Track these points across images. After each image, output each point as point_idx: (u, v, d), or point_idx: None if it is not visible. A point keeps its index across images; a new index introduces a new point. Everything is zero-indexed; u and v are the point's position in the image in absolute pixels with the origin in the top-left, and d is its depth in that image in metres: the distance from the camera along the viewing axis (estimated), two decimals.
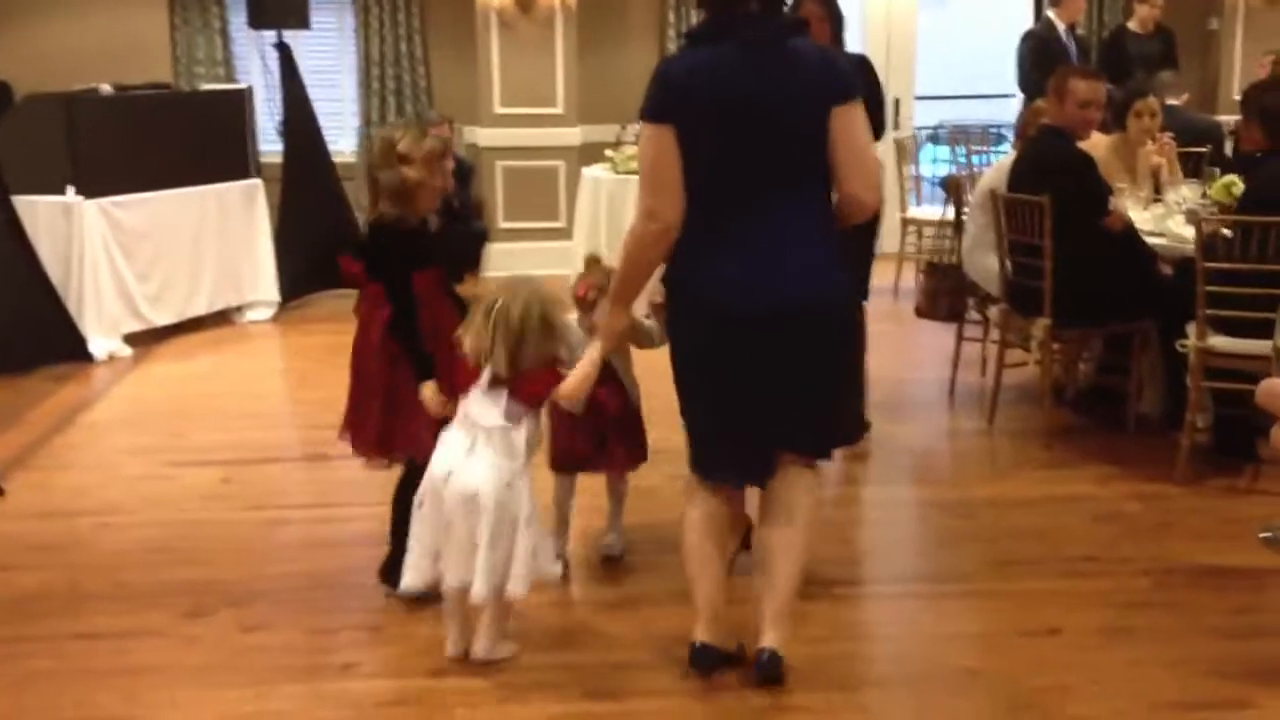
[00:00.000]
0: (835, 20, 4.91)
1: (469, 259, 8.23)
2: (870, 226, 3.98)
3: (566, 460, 4.02)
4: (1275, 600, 3.88)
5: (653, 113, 3.05)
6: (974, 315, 6.16)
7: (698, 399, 3.24)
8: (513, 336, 3.26)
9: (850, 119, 3.01)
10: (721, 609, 3.30)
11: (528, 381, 3.32)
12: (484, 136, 8.92)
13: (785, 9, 3.17)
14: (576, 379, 3.31)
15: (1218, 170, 6.07)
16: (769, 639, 3.24)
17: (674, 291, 3.20)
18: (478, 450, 3.32)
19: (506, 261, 8.21)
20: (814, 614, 3.72)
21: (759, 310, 3.05)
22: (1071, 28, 8.62)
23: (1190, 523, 4.45)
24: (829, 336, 3.16)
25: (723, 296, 3.08)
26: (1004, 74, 9.09)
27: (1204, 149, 6.89)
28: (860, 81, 3.14)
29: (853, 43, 5.19)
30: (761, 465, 3.25)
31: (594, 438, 3.94)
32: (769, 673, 3.23)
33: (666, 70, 3.10)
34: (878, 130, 4.03)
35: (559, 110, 8.95)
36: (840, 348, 3.29)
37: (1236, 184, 5.39)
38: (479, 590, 3.26)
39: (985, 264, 5.64)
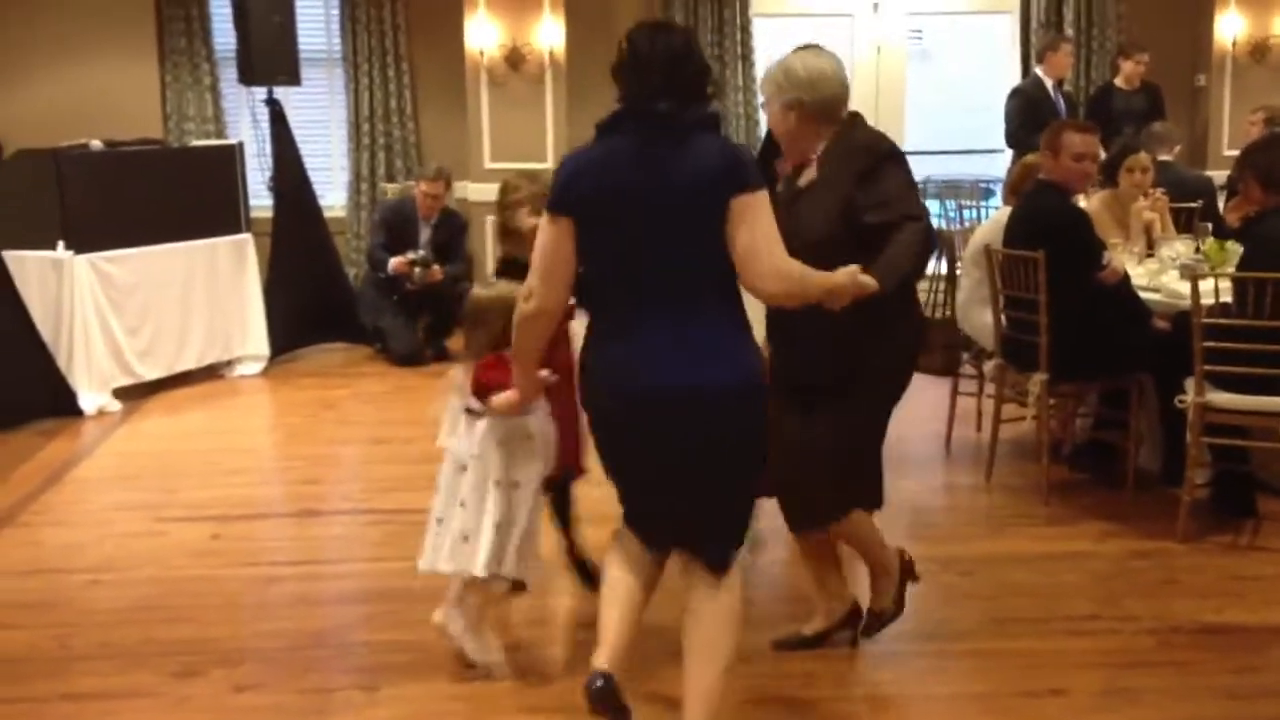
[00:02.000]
0: None
1: (458, 314, 8.21)
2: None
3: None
4: (1279, 659, 3.85)
5: (551, 204, 3.06)
6: (969, 370, 6.16)
7: (612, 474, 3.24)
8: (469, 318, 3.60)
9: (744, 210, 2.93)
10: (623, 645, 3.19)
11: (477, 367, 3.53)
12: (474, 191, 8.93)
13: (701, 105, 3.07)
14: (505, 397, 3.43)
15: (1210, 226, 6.11)
16: None
17: (581, 377, 3.20)
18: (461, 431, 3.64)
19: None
20: (818, 673, 3.68)
21: (650, 396, 3.00)
22: (1059, 84, 8.71)
23: (1192, 580, 4.42)
24: (723, 423, 3.01)
25: (616, 384, 3.05)
26: (993, 129, 9.15)
27: (1196, 204, 6.93)
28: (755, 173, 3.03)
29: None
30: (674, 541, 3.22)
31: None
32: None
33: (567, 163, 3.11)
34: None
35: (548, 165, 8.93)
36: (739, 437, 3.04)
37: (1232, 248, 5.42)
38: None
39: (980, 319, 5.64)
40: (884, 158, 3.48)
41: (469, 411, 3.59)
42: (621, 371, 3.02)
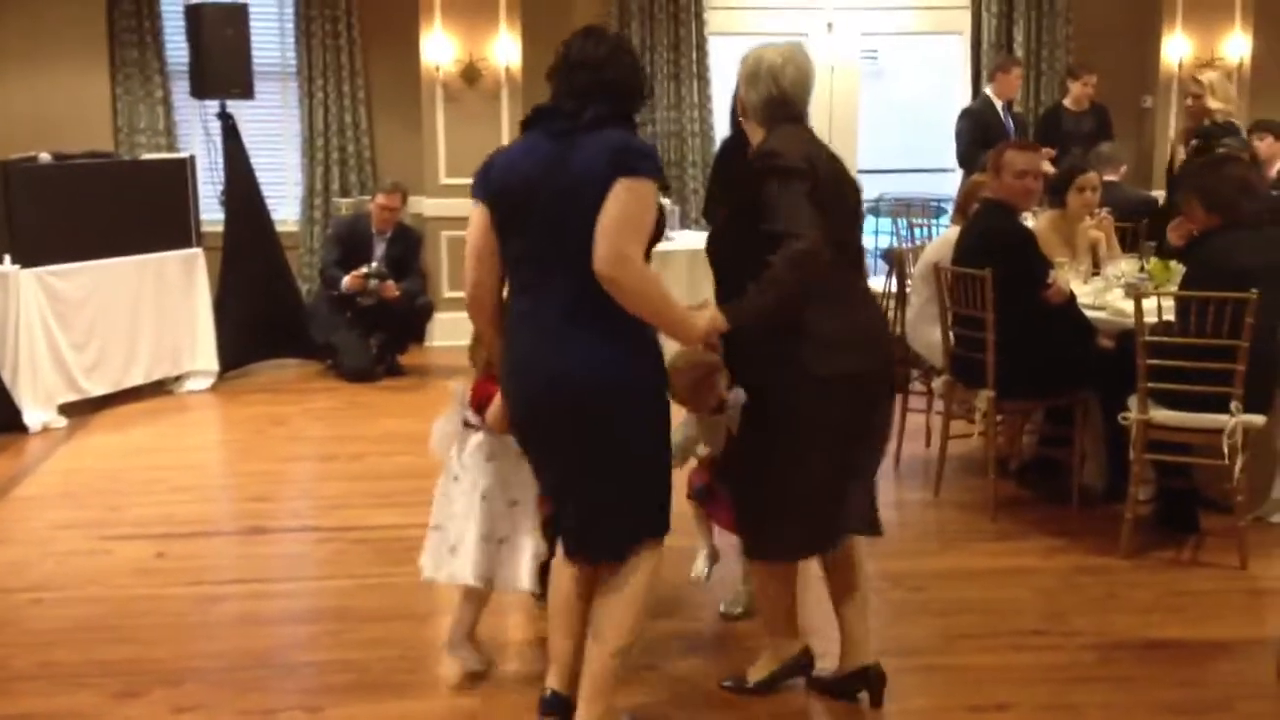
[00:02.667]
0: None
1: (412, 330, 8.19)
2: None
3: None
4: (1221, 673, 3.88)
5: (472, 191, 3.28)
6: (918, 387, 6.20)
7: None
8: (474, 334, 3.55)
9: (616, 194, 3.00)
10: (572, 662, 3.33)
11: (477, 381, 3.62)
12: (429, 206, 8.90)
13: (609, 105, 3.15)
14: (493, 409, 3.48)
15: (1155, 245, 6.18)
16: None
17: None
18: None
19: (451, 330, 8.16)
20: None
21: (532, 389, 3.17)
22: (1009, 105, 8.80)
23: (1135, 596, 4.46)
24: (594, 420, 3.10)
25: (511, 374, 3.24)
26: (943, 148, 9.24)
27: (1141, 223, 7.01)
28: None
29: None
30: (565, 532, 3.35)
31: None
32: None
33: (492, 155, 3.32)
34: None
35: None
36: (600, 430, 3.10)
37: (1175, 267, 5.48)
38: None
39: (929, 336, 5.68)
40: (769, 170, 3.27)
41: (466, 424, 3.66)
42: (512, 359, 3.21)
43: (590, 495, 3.21)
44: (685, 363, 3.47)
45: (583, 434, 3.13)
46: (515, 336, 3.21)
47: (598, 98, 3.14)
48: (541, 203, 3.10)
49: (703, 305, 3.32)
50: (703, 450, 3.90)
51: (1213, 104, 7.46)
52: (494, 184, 3.21)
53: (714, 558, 4.19)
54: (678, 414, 3.47)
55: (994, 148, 5.63)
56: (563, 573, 3.34)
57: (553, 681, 3.35)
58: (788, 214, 3.18)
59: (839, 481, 3.43)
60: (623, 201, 3.00)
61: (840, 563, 3.64)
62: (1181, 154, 7.78)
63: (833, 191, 3.30)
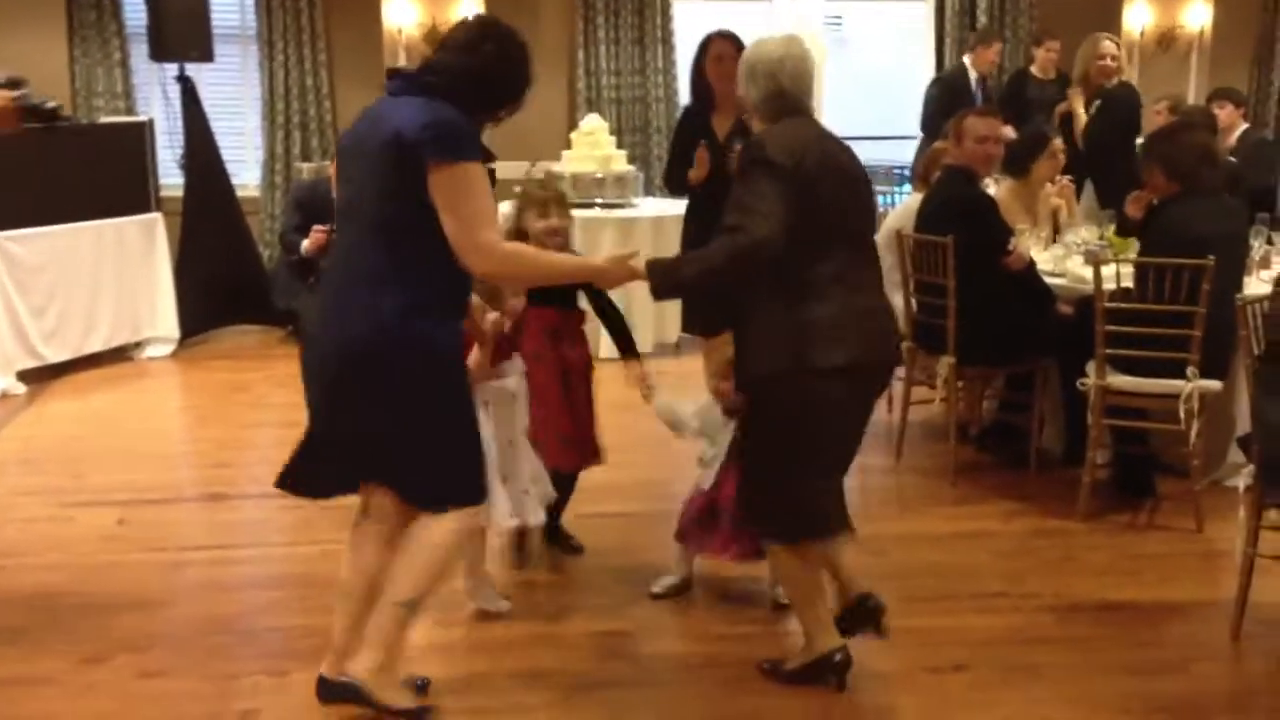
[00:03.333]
0: None
1: None
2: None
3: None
4: (1177, 635, 3.95)
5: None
6: None
7: None
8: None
9: (439, 184, 3.05)
10: (345, 643, 3.37)
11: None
12: None
13: (451, 84, 3.17)
14: (472, 358, 3.59)
15: (1114, 212, 6.23)
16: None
17: None
18: None
19: None
20: (726, 654, 3.72)
21: (322, 347, 3.22)
22: (983, 79, 8.81)
23: (1092, 558, 4.53)
24: (346, 367, 3.14)
25: (309, 330, 3.34)
26: (907, 116, 9.25)
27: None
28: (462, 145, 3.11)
29: None
30: (340, 487, 3.41)
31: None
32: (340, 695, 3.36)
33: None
34: None
35: None
36: (368, 382, 3.12)
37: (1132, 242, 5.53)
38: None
39: (891, 302, 5.70)
40: (750, 162, 3.29)
41: None
42: (316, 321, 3.27)
43: (352, 438, 3.24)
44: (724, 342, 3.59)
45: (343, 380, 3.17)
46: (319, 291, 3.37)
47: (439, 73, 3.20)
48: (355, 161, 3.20)
49: (632, 255, 3.38)
50: (709, 452, 3.95)
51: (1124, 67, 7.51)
52: (341, 139, 3.40)
53: (685, 587, 4.19)
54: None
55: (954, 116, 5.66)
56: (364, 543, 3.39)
57: (325, 668, 3.41)
58: (746, 205, 3.22)
59: (826, 472, 3.47)
60: (449, 191, 3.05)
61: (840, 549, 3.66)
62: (1081, 112, 7.79)
63: (827, 186, 3.27)
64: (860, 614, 3.63)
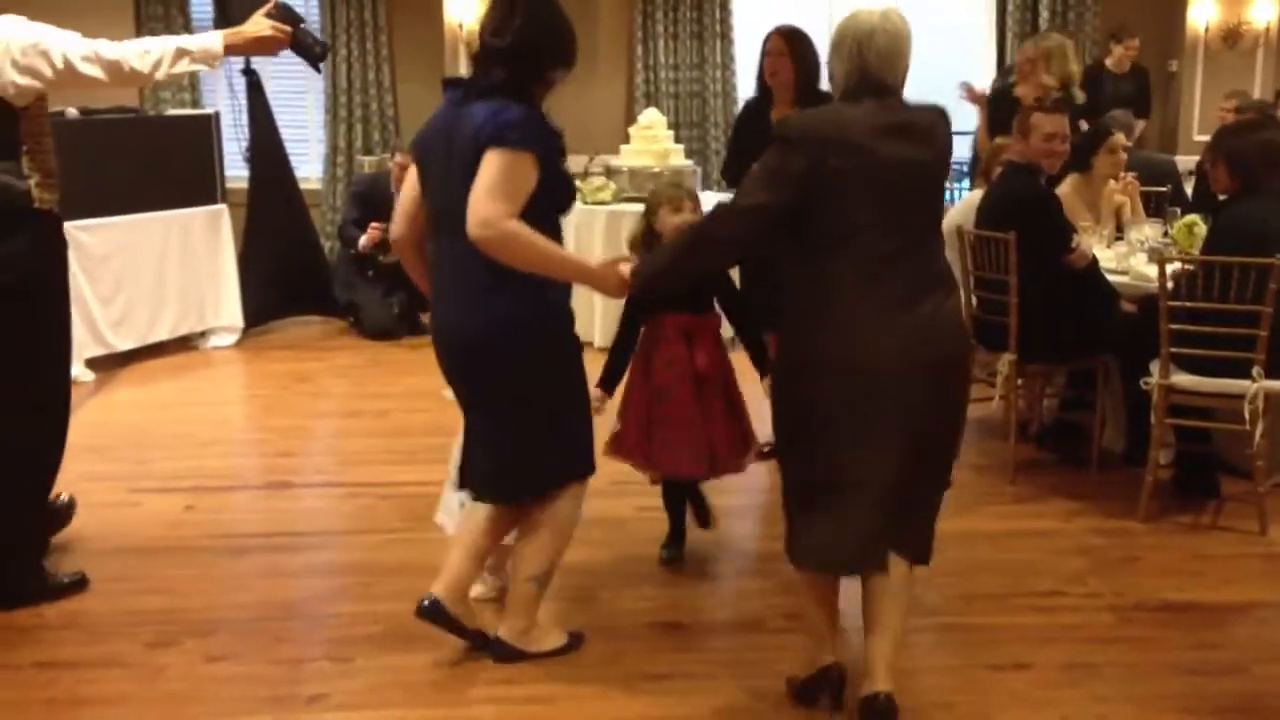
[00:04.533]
0: (801, 61, 4.98)
1: None
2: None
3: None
4: (1239, 636, 3.91)
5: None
6: None
7: None
8: None
9: (484, 164, 3.22)
10: (460, 576, 3.63)
11: None
12: None
13: (502, 75, 3.32)
14: None
15: (1179, 210, 6.17)
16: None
17: None
18: None
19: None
20: (788, 646, 3.73)
21: (438, 337, 3.51)
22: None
23: (1154, 559, 4.49)
24: (477, 365, 3.41)
25: (432, 321, 3.57)
26: (966, 111, 9.17)
27: (1164, 189, 6.99)
28: (520, 135, 3.24)
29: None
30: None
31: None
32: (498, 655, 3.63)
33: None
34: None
35: None
36: (482, 377, 3.40)
37: (1198, 224, 5.49)
38: None
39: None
40: (772, 139, 3.19)
41: None
42: (434, 313, 3.53)
43: (487, 438, 3.52)
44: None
45: (468, 379, 3.47)
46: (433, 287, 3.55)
47: (495, 65, 3.34)
48: (437, 164, 3.39)
49: (624, 259, 3.43)
50: None
51: (1046, 79, 7.15)
52: (415, 143, 3.55)
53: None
54: None
55: (1019, 111, 5.62)
56: (478, 508, 3.63)
57: (437, 588, 3.58)
58: (737, 196, 3.22)
59: (830, 488, 3.16)
60: (487, 171, 3.22)
61: (872, 589, 3.24)
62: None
63: (859, 181, 3.04)
64: (865, 710, 3.21)
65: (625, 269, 3.38)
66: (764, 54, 5.21)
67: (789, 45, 5.00)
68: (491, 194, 3.20)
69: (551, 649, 3.67)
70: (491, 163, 3.21)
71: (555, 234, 3.40)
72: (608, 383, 4.15)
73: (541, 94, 3.42)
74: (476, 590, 3.95)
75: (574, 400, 3.54)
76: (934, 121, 3.20)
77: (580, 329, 3.63)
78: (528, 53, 3.34)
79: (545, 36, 3.38)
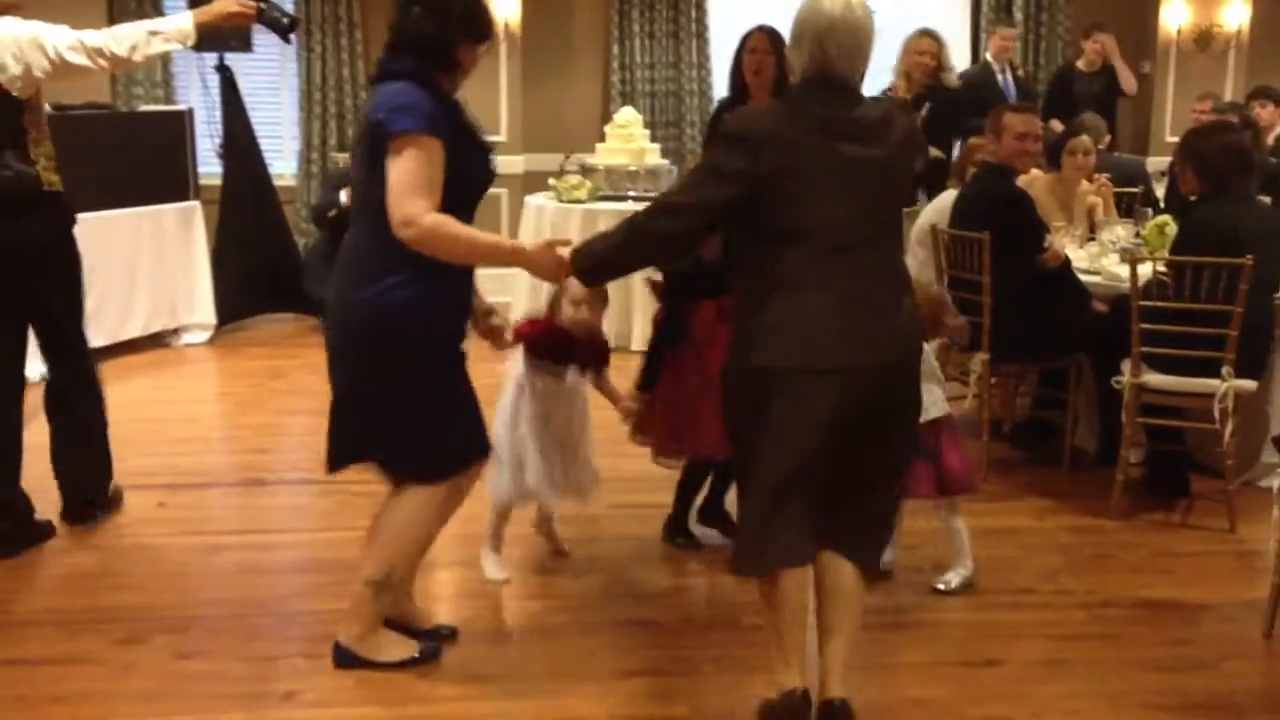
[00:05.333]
0: (784, 60, 4.94)
1: None
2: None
3: None
4: (1209, 633, 3.95)
5: None
6: None
7: None
8: None
9: (389, 160, 3.22)
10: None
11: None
12: None
13: (405, 59, 3.34)
14: None
15: (1150, 211, 6.22)
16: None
17: None
18: None
19: None
20: (761, 643, 3.73)
21: (328, 328, 3.48)
22: (1011, 68, 8.78)
23: (1125, 556, 4.53)
24: (345, 351, 3.40)
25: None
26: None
27: (1136, 190, 7.04)
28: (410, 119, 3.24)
29: None
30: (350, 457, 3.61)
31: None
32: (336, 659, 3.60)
33: None
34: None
35: (503, 138, 8.95)
36: (361, 360, 3.36)
37: (1169, 225, 5.53)
38: None
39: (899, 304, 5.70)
40: (714, 134, 3.25)
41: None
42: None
43: (341, 409, 3.48)
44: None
45: (336, 359, 3.42)
46: None
47: (399, 49, 3.37)
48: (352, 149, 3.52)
49: (563, 243, 3.35)
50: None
51: (946, 64, 7.17)
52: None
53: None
54: None
55: (991, 111, 5.66)
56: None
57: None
58: (678, 189, 3.21)
59: (769, 492, 3.07)
60: (394, 168, 3.22)
61: (825, 594, 3.20)
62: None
63: (798, 181, 2.97)
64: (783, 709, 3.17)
65: (564, 251, 3.27)
66: (746, 51, 5.18)
67: (774, 44, 4.99)
68: (405, 191, 3.18)
69: (391, 660, 3.55)
70: (395, 157, 3.20)
71: (468, 220, 3.37)
72: (646, 385, 4.18)
73: (457, 74, 3.41)
74: (498, 575, 4.17)
75: (428, 403, 3.39)
76: (889, 117, 3.10)
77: (618, 332, 3.60)
78: (429, 37, 3.33)
79: (442, 19, 3.33)
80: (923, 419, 3.57)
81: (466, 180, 3.35)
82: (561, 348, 4.02)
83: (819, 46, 3.01)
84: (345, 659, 3.57)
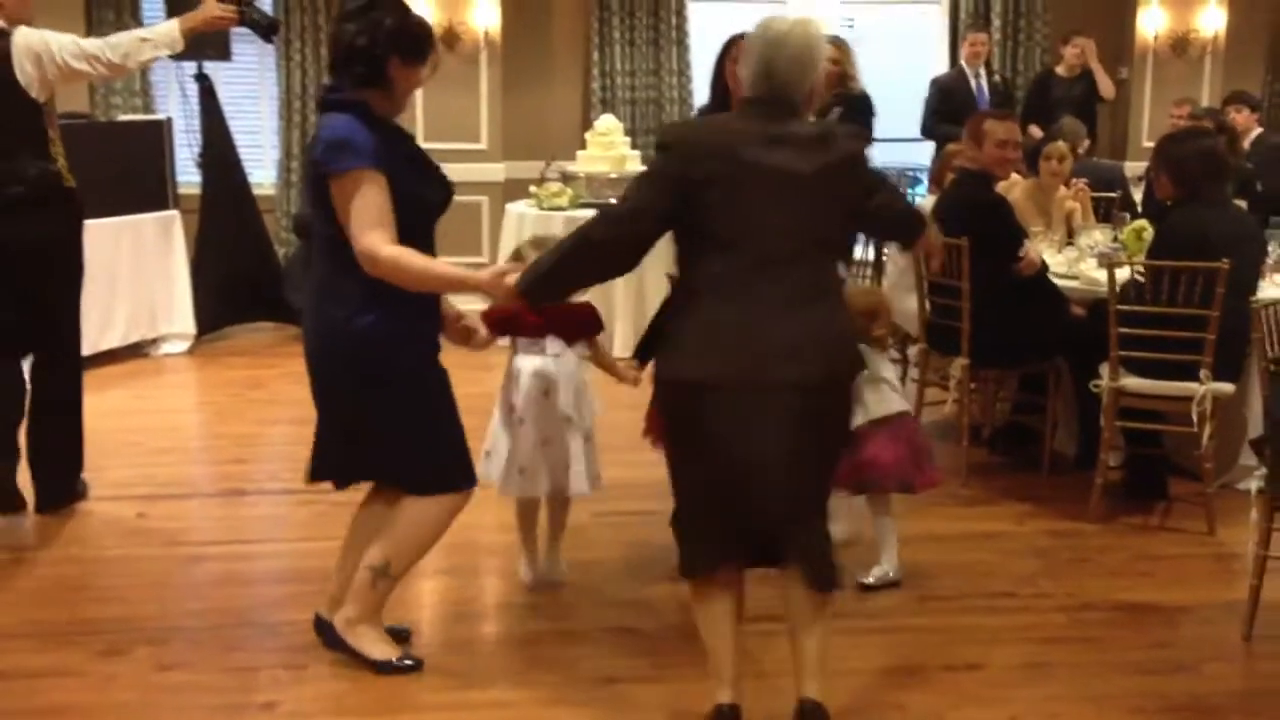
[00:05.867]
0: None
1: None
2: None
3: None
4: (1189, 636, 3.97)
5: None
6: (894, 354, 6.26)
7: None
8: None
9: (333, 195, 3.29)
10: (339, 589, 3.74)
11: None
12: None
13: (339, 86, 3.40)
14: None
15: (1128, 215, 6.26)
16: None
17: None
18: None
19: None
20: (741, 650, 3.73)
21: (306, 351, 3.52)
22: (988, 72, 8.82)
23: (1105, 560, 4.55)
24: (319, 370, 3.47)
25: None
26: (918, 118, 9.26)
27: (1113, 194, 7.08)
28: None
29: None
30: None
31: None
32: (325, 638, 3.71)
33: None
34: None
35: (483, 146, 8.96)
36: (343, 385, 3.43)
37: (1147, 229, 5.56)
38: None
39: (905, 304, 5.74)
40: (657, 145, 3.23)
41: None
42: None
43: (326, 428, 3.57)
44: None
45: (315, 382, 3.49)
46: None
47: (336, 71, 3.43)
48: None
49: (512, 269, 3.36)
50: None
51: (851, 71, 7.16)
52: None
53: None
54: None
55: (965, 118, 5.68)
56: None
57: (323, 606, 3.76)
58: (624, 193, 3.21)
59: (704, 499, 3.13)
60: (340, 205, 3.28)
61: (787, 604, 3.22)
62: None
63: (723, 190, 3.00)
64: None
65: (512, 279, 3.24)
66: (729, 59, 5.00)
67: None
68: (360, 228, 3.26)
69: (370, 657, 3.60)
70: (342, 195, 3.26)
71: (425, 245, 3.41)
72: (643, 356, 3.99)
73: (393, 93, 3.41)
74: (526, 578, 4.22)
75: (428, 414, 3.47)
76: (828, 135, 3.13)
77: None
78: (360, 53, 3.35)
79: (373, 33, 3.34)
80: (866, 418, 3.86)
81: (418, 206, 3.39)
82: (529, 319, 3.92)
83: (764, 62, 3.07)
84: (331, 639, 3.66)
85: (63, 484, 4.91)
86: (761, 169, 3.01)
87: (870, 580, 4.23)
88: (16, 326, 4.69)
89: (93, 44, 4.66)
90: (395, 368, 3.40)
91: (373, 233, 3.24)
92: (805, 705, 3.18)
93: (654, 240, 3.13)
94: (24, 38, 4.55)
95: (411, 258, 3.28)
